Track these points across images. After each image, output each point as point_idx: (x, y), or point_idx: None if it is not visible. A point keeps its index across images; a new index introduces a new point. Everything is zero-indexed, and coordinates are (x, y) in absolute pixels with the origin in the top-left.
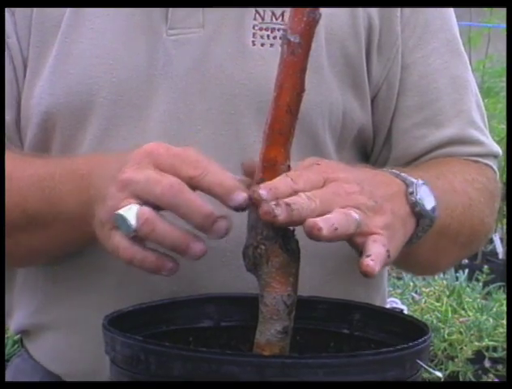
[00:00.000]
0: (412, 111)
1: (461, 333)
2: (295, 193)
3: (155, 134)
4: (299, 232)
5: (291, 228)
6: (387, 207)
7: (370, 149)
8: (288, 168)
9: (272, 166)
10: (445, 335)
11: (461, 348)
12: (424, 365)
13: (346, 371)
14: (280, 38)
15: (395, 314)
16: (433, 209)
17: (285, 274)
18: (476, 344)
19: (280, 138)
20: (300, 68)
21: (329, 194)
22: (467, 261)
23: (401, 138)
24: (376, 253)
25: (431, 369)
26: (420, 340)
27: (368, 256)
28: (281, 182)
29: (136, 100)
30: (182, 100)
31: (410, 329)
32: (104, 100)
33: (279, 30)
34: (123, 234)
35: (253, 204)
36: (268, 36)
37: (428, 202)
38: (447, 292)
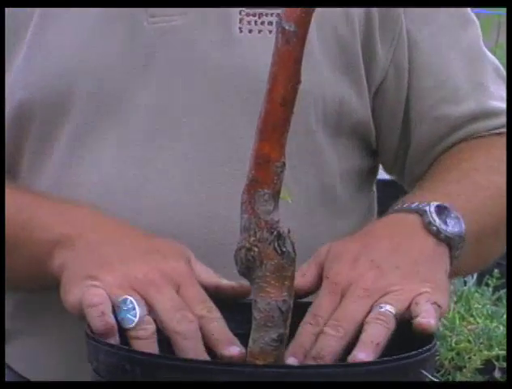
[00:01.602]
0: (428, 92)
1: (469, 341)
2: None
3: (139, 128)
4: (293, 234)
5: (286, 228)
6: (412, 258)
7: (374, 139)
8: (283, 166)
9: (266, 163)
10: (453, 344)
11: (469, 358)
12: (428, 375)
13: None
14: (269, 24)
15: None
16: (458, 226)
17: (280, 278)
18: (486, 353)
19: (274, 134)
20: (296, 58)
21: (353, 305)
22: None
23: (421, 122)
24: (424, 310)
25: (436, 380)
26: (424, 349)
27: (416, 317)
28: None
29: (116, 93)
30: (166, 92)
31: (414, 337)
32: (81, 93)
33: (267, 15)
34: (119, 317)
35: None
36: (256, 21)
37: (450, 222)
38: (455, 298)
